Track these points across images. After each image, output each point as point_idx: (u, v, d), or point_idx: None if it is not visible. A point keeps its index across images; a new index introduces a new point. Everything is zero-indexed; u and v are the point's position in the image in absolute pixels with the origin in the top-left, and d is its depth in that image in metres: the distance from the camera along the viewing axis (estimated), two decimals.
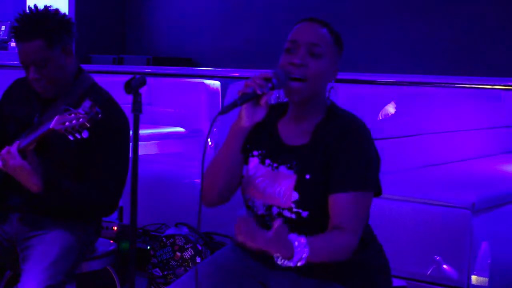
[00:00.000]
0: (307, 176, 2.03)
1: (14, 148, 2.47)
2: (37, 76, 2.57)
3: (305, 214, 2.02)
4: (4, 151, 2.48)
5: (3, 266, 2.76)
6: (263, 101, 2.02)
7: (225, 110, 1.98)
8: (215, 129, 3.99)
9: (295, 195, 2.03)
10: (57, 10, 2.62)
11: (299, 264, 1.86)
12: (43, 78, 2.58)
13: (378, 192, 2.09)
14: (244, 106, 2.03)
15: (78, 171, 2.58)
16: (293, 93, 2.05)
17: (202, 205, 2.09)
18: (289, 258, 1.84)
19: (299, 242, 1.85)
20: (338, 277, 2.06)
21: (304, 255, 1.85)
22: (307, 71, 2.04)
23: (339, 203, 2.00)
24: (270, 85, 2.00)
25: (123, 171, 2.64)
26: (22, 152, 2.46)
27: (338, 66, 2.13)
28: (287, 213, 2.04)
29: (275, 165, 2.11)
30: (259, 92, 1.99)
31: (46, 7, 2.62)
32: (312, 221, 2.03)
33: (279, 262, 1.86)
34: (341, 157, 2.02)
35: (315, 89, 2.06)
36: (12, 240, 2.65)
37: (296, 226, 2.02)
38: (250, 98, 2.01)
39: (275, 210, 2.07)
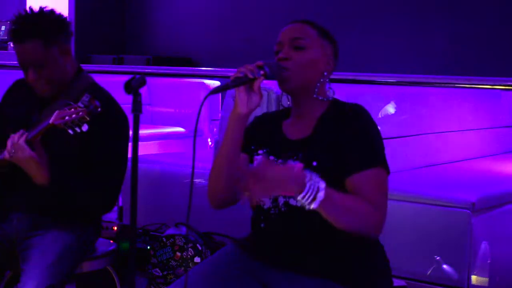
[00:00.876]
0: (314, 163, 2.06)
1: (22, 139, 2.46)
2: (36, 77, 2.57)
3: None
4: (9, 141, 2.48)
5: (3, 266, 2.75)
6: (256, 86, 2.08)
7: (216, 90, 2.05)
8: (215, 129, 3.99)
9: None
10: (52, 10, 2.61)
11: (319, 196, 1.84)
12: (42, 79, 2.58)
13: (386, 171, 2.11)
14: (238, 92, 2.09)
15: (78, 169, 2.58)
16: (285, 81, 2.13)
17: (207, 205, 2.11)
18: (303, 187, 1.83)
19: (315, 174, 1.87)
20: (338, 277, 2.06)
21: (321, 185, 1.85)
22: (291, 63, 2.11)
23: (357, 183, 2.02)
24: (262, 72, 2.07)
25: (122, 169, 2.64)
26: (30, 144, 2.46)
27: (332, 58, 2.18)
28: (293, 202, 2.06)
29: (280, 161, 2.12)
30: (250, 76, 2.05)
31: (41, 8, 2.61)
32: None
33: (300, 198, 1.85)
34: (347, 142, 2.06)
35: (305, 78, 2.13)
36: (12, 240, 2.65)
37: (302, 214, 2.03)
38: (242, 82, 2.06)
39: (281, 200, 2.09)
